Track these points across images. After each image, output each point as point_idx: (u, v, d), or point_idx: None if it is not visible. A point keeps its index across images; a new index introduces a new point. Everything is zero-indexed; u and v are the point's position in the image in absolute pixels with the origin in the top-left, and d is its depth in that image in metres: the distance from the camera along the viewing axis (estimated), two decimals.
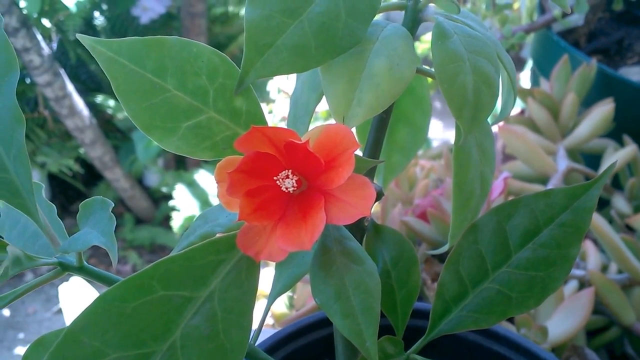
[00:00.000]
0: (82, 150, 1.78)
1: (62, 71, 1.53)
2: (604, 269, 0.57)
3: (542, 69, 0.81)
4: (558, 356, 0.48)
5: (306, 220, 0.26)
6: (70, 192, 1.95)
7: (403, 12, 0.32)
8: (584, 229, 0.29)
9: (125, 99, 0.27)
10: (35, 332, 1.68)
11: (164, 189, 1.82)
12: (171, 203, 1.73)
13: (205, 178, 1.80)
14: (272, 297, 0.34)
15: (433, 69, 0.30)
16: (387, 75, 0.28)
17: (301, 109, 0.34)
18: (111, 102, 1.77)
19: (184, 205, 1.72)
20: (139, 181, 1.94)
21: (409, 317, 0.32)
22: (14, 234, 0.36)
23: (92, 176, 1.92)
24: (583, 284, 0.54)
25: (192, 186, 1.78)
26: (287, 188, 0.26)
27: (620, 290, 0.51)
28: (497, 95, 0.31)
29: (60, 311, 1.73)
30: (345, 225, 0.30)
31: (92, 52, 0.27)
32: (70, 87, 1.56)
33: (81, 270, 0.31)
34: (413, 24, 0.32)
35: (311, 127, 0.28)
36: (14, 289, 0.31)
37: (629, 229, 0.64)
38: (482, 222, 0.31)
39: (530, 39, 0.86)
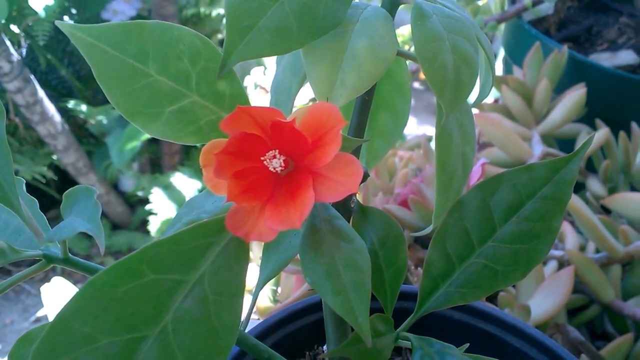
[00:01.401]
0: (55, 157, 1.75)
1: (32, 77, 1.51)
2: (582, 249, 0.58)
3: (514, 58, 0.82)
4: None
5: (295, 199, 0.26)
6: (44, 199, 1.92)
7: None
8: (565, 201, 0.30)
9: (107, 85, 0.27)
10: (13, 342, 1.65)
11: (140, 193, 1.81)
12: (148, 207, 1.71)
13: (181, 181, 1.78)
14: (260, 283, 0.34)
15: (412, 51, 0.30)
16: (369, 55, 0.29)
17: (283, 93, 0.34)
18: (83, 107, 1.75)
19: (161, 209, 1.71)
20: (114, 186, 1.92)
21: (397, 296, 0.32)
22: None
23: (66, 183, 1.90)
24: (562, 264, 0.55)
25: (169, 189, 1.76)
26: (274, 168, 0.26)
27: (599, 269, 0.52)
28: (477, 75, 0.32)
29: (38, 320, 1.71)
30: (332, 206, 0.30)
31: (71, 39, 0.27)
32: (41, 93, 1.54)
33: (66, 262, 0.31)
34: (392, 6, 0.32)
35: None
36: None
37: (604, 210, 0.65)
38: (466, 198, 0.31)
39: (502, 30, 0.87)
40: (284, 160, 0.26)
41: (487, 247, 0.30)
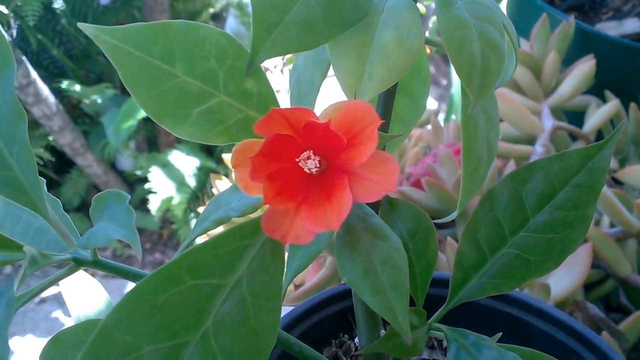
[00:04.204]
0: (51, 138, 1.74)
1: (24, 58, 1.49)
2: (596, 223, 0.58)
3: (520, 29, 0.81)
4: None
5: (330, 200, 0.25)
6: None
7: None
8: (599, 188, 0.29)
9: (133, 88, 0.27)
10: (19, 323, 1.66)
11: (138, 172, 1.80)
12: (147, 186, 1.71)
13: (179, 159, 1.78)
14: (288, 278, 0.34)
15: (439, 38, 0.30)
16: (397, 46, 0.28)
17: (306, 85, 0.34)
18: (77, 87, 1.73)
19: (160, 188, 1.70)
20: (112, 166, 1.91)
21: (428, 287, 0.32)
22: (17, 232, 0.35)
23: (63, 164, 1.89)
24: None
25: (167, 167, 1.76)
26: (309, 169, 0.25)
27: (615, 244, 0.52)
28: (504, 61, 0.31)
29: (43, 301, 1.71)
30: None
31: (95, 41, 0.26)
32: (33, 74, 1.52)
33: (96, 264, 0.31)
34: None
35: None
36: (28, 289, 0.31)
37: (616, 182, 0.65)
38: (497, 189, 0.31)
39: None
40: (318, 161, 0.25)
41: (520, 237, 0.30)
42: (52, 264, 0.30)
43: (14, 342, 1.61)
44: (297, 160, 0.25)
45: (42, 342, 1.61)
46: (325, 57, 0.32)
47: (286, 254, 0.31)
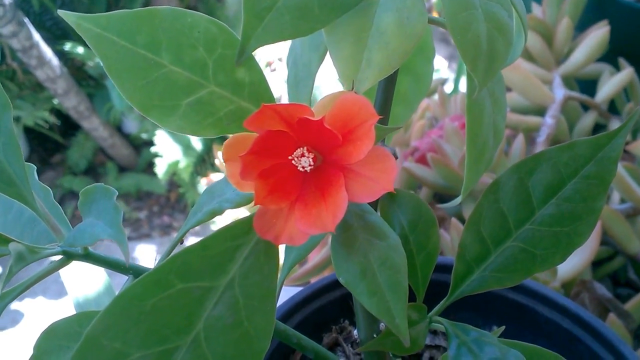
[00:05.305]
0: (56, 101, 1.72)
1: (26, 20, 1.47)
2: (607, 198, 0.56)
3: None
4: (567, 292, 0.49)
5: (325, 198, 0.24)
6: (48, 144, 1.91)
7: None
8: (609, 180, 0.28)
9: (118, 79, 0.25)
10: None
11: (144, 136, 1.79)
12: (153, 149, 1.70)
13: None
14: (285, 269, 0.33)
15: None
16: (397, 31, 0.26)
17: (302, 70, 0.32)
18: (80, 50, 1.71)
19: (166, 151, 1.70)
20: (118, 129, 1.90)
21: (429, 280, 0.31)
22: (9, 220, 0.35)
23: (69, 127, 1.88)
24: None
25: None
26: (303, 167, 0.24)
27: (625, 220, 0.51)
28: (512, 43, 0.29)
29: None
30: None
31: (77, 30, 0.25)
32: (36, 36, 1.50)
33: (87, 258, 0.30)
34: None
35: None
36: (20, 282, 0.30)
37: (626, 152, 0.63)
38: (502, 180, 0.29)
39: None
40: (312, 158, 0.24)
41: (525, 230, 0.29)
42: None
43: (25, 305, 1.63)
44: (290, 157, 0.24)
45: (52, 303, 1.63)
46: (322, 40, 0.31)
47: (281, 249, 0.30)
